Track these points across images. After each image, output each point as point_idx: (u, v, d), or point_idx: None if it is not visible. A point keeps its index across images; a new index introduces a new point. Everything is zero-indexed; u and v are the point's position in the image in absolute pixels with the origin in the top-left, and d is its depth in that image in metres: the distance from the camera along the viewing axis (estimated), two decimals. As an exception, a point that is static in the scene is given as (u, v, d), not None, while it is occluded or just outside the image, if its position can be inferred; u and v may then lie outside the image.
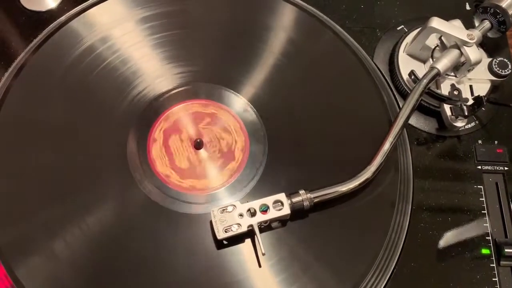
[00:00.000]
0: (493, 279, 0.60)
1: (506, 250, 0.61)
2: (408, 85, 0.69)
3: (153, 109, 0.65)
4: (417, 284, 0.60)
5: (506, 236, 0.63)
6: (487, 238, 0.63)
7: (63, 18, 0.71)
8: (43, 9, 0.73)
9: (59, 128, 0.63)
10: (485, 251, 0.62)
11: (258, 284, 0.57)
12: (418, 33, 0.68)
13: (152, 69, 0.68)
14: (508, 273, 0.61)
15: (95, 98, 0.65)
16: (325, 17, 0.75)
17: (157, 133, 0.64)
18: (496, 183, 0.66)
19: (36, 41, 0.69)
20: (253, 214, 0.56)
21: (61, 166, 0.61)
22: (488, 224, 0.63)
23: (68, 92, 0.65)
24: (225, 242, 0.57)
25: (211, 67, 0.69)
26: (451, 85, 0.67)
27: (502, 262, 0.61)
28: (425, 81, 0.63)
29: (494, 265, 0.61)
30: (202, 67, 0.69)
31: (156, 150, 0.63)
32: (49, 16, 0.72)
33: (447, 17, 0.67)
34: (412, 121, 0.69)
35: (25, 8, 0.72)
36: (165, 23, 0.71)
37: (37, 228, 0.57)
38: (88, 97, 0.65)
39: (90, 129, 0.64)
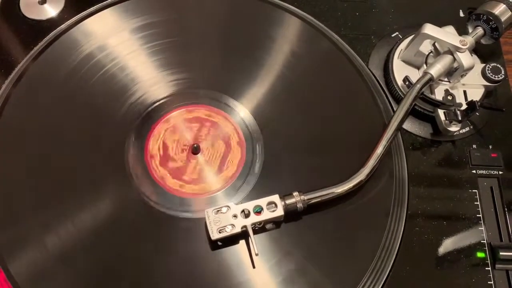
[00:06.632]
0: (489, 282, 0.60)
1: (501, 253, 0.61)
2: (402, 90, 0.69)
3: (151, 114, 0.66)
4: (412, 288, 0.60)
5: (501, 240, 0.63)
6: (482, 242, 0.63)
7: (63, 26, 0.72)
8: (44, 18, 0.74)
9: (58, 134, 0.64)
10: (480, 254, 0.62)
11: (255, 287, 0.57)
12: (412, 39, 0.69)
13: (150, 75, 0.69)
14: (504, 277, 0.61)
15: (94, 104, 0.66)
16: (320, 24, 0.76)
17: (155, 137, 0.65)
18: (491, 187, 0.66)
19: (36, 49, 0.71)
20: (247, 215, 0.56)
21: (61, 170, 0.62)
22: (483, 228, 0.63)
23: (68, 98, 0.66)
24: (219, 243, 0.57)
25: (210, 74, 0.70)
26: (445, 90, 0.68)
27: (497, 266, 0.61)
28: (418, 85, 0.64)
29: (490, 268, 0.61)
30: (201, 74, 0.70)
31: (153, 155, 0.64)
32: (49, 24, 0.73)
33: (441, 23, 0.68)
34: (407, 126, 0.69)
35: (26, 17, 0.74)
36: (163, 31, 0.72)
37: (37, 231, 0.58)
38: (87, 104, 0.66)
39: (89, 135, 0.64)
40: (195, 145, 0.65)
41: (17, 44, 0.72)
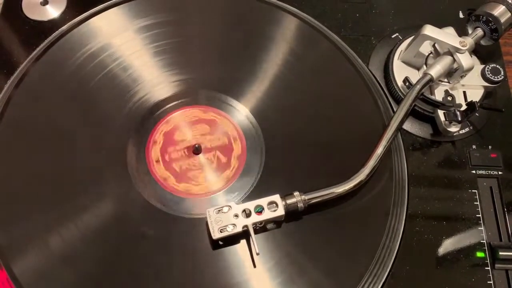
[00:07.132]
0: (488, 282, 0.60)
1: (500, 253, 0.61)
2: (402, 91, 0.70)
3: (153, 114, 0.67)
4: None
5: (500, 240, 0.63)
6: (481, 241, 0.63)
7: (65, 27, 0.73)
8: (46, 19, 0.74)
9: (60, 134, 0.64)
10: (480, 254, 0.62)
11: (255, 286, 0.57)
12: (412, 40, 0.69)
13: (152, 76, 0.69)
14: (503, 276, 0.61)
15: (95, 105, 0.67)
16: (321, 25, 0.76)
17: (157, 138, 0.65)
18: (491, 188, 0.67)
19: (38, 50, 0.71)
20: (248, 215, 0.56)
21: (63, 171, 0.62)
22: (482, 228, 0.64)
23: (69, 99, 0.67)
24: (220, 242, 0.57)
25: (211, 74, 0.71)
26: (445, 91, 0.68)
27: (497, 265, 0.61)
28: (418, 86, 0.64)
29: (489, 268, 0.61)
30: (202, 74, 0.70)
31: (155, 155, 0.64)
32: (51, 25, 0.73)
33: (440, 25, 0.69)
34: (407, 126, 0.70)
35: (28, 18, 0.74)
36: (165, 32, 0.72)
37: (39, 231, 0.58)
38: (89, 104, 0.67)
39: (91, 135, 0.65)
40: (196, 145, 0.65)
41: (19, 45, 0.72)
